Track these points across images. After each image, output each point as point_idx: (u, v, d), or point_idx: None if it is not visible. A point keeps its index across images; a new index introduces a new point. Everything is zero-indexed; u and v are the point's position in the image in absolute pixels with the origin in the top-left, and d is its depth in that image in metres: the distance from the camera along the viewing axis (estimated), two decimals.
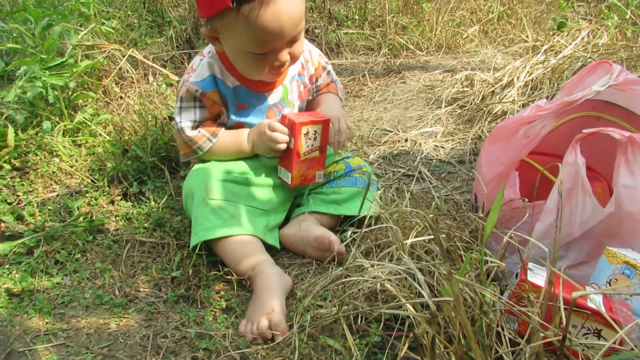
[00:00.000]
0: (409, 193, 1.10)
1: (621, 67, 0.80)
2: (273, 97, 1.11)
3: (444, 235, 0.86)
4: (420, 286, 0.52)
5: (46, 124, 1.31)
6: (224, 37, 0.97)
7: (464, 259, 0.68)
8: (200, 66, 1.06)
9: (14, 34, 1.48)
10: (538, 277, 0.74)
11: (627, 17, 1.73)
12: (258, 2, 0.88)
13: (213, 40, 1.01)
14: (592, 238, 0.82)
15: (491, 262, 0.64)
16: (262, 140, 1.04)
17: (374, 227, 0.76)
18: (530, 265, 0.75)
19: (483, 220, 0.77)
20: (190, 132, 1.06)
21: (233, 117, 1.09)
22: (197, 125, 1.07)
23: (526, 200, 0.79)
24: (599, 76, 0.82)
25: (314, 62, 1.19)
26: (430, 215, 0.89)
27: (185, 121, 1.06)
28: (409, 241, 0.67)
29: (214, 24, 0.97)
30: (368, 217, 0.83)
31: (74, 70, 1.40)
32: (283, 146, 1.02)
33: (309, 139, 1.03)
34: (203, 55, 1.09)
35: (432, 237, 0.72)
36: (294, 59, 1.02)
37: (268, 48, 0.95)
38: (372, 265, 0.67)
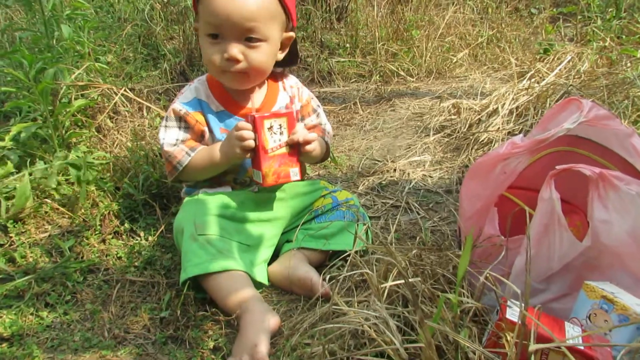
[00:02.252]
0: (395, 226, 1.11)
1: (592, 104, 0.83)
2: None
3: (429, 270, 0.87)
4: (393, 334, 0.53)
5: (40, 164, 1.33)
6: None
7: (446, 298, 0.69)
8: (188, 90, 1.15)
9: (8, 78, 1.51)
10: (517, 313, 0.75)
11: (607, 44, 1.77)
12: None
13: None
14: (572, 271, 0.83)
15: (469, 302, 0.65)
16: (231, 143, 1.05)
17: (352, 272, 0.77)
18: (510, 302, 0.76)
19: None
20: (169, 148, 1.11)
21: (219, 140, 1.12)
22: (179, 142, 1.12)
23: (502, 237, 0.81)
24: (570, 112, 0.84)
25: (301, 98, 1.23)
26: (414, 252, 0.90)
27: (167, 138, 1.11)
28: (387, 284, 0.69)
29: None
30: (352, 254, 0.85)
31: (67, 110, 1.43)
32: (250, 142, 1.02)
33: (274, 133, 1.03)
34: (192, 82, 1.17)
35: (413, 278, 0.73)
36: (252, 66, 1.05)
37: (217, 30, 1.02)
38: (352, 309, 0.68)
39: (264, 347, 0.85)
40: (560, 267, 0.82)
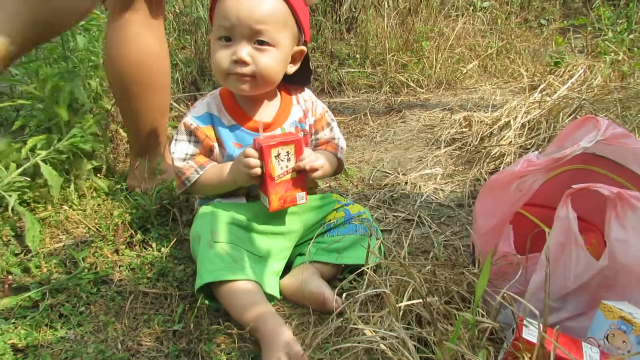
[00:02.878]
0: (408, 239, 1.11)
1: (608, 122, 0.82)
2: None
3: (443, 287, 0.87)
4: (411, 354, 0.53)
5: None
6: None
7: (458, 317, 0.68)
8: (200, 104, 1.16)
9: (22, 88, 1.53)
10: (534, 333, 0.74)
11: (620, 58, 1.76)
12: None
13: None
14: (588, 290, 0.83)
15: (485, 322, 0.65)
16: (238, 169, 1.06)
17: (370, 291, 0.77)
18: (526, 321, 0.75)
19: (477, 276, 0.78)
20: (179, 164, 1.12)
21: (232, 154, 1.13)
22: (188, 158, 1.13)
23: (519, 256, 0.80)
24: (587, 130, 0.84)
25: (315, 113, 1.23)
26: (428, 267, 0.90)
27: (177, 153, 1.13)
28: (403, 304, 0.69)
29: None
30: (366, 271, 0.85)
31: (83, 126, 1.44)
32: (257, 170, 1.03)
33: (282, 160, 1.03)
34: (206, 96, 1.18)
35: (428, 295, 0.73)
36: (259, 70, 1.05)
37: (228, 33, 1.04)
38: (367, 325, 0.68)
39: (294, 344, 0.86)
40: (577, 286, 0.81)
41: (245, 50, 1.04)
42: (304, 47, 1.14)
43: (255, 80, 1.07)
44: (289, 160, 1.04)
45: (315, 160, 1.08)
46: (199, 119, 1.13)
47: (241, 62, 1.04)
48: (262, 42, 1.04)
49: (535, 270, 0.83)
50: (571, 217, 0.77)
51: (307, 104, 1.22)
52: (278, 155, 1.02)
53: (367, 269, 0.82)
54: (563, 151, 0.79)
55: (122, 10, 1.24)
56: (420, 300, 0.69)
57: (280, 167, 1.04)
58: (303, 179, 1.08)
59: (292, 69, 1.14)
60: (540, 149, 1.38)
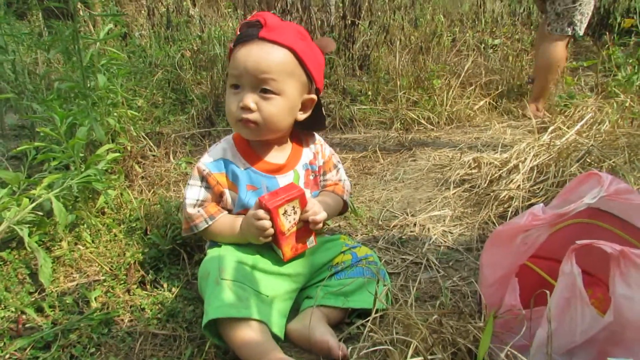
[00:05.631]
0: (416, 285, 1.11)
1: (612, 177, 0.84)
2: (284, 181, 1.18)
3: (449, 338, 0.87)
4: None
5: (70, 217, 1.37)
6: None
7: None
8: (215, 149, 1.20)
9: (41, 134, 1.59)
10: None
11: (627, 104, 1.78)
12: (243, 43, 1.09)
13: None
14: (595, 345, 0.82)
15: None
16: (252, 232, 1.10)
17: (374, 347, 0.78)
18: None
19: (482, 330, 0.78)
20: (190, 210, 1.16)
21: (243, 198, 1.16)
22: (199, 204, 1.16)
23: (523, 312, 0.81)
24: (591, 185, 0.85)
25: (324, 155, 1.29)
26: (435, 317, 0.90)
27: (189, 199, 1.16)
28: None
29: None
30: (370, 323, 0.86)
31: (98, 165, 1.48)
32: (270, 231, 1.08)
33: (289, 215, 1.09)
34: (220, 141, 1.22)
35: (434, 348, 0.74)
36: (263, 117, 1.10)
37: (238, 81, 1.10)
38: None
39: None
40: (583, 341, 0.81)
41: (250, 98, 1.09)
42: (313, 96, 1.18)
43: (259, 126, 1.12)
44: (295, 213, 1.10)
45: (319, 213, 1.12)
46: (212, 165, 1.17)
47: (247, 109, 1.10)
48: (266, 91, 1.09)
49: (541, 324, 0.83)
50: (576, 273, 0.78)
51: (317, 147, 1.27)
52: (285, 212, 1.08)
53: (369, 322, 0.82)
54: (567, 207, 0.80)
55: None
56: (423, 358, 0.69)
57: (288, 221, 1.09)
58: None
59: (302, 116, 1.18)
60: (548, 194, 1.39)
